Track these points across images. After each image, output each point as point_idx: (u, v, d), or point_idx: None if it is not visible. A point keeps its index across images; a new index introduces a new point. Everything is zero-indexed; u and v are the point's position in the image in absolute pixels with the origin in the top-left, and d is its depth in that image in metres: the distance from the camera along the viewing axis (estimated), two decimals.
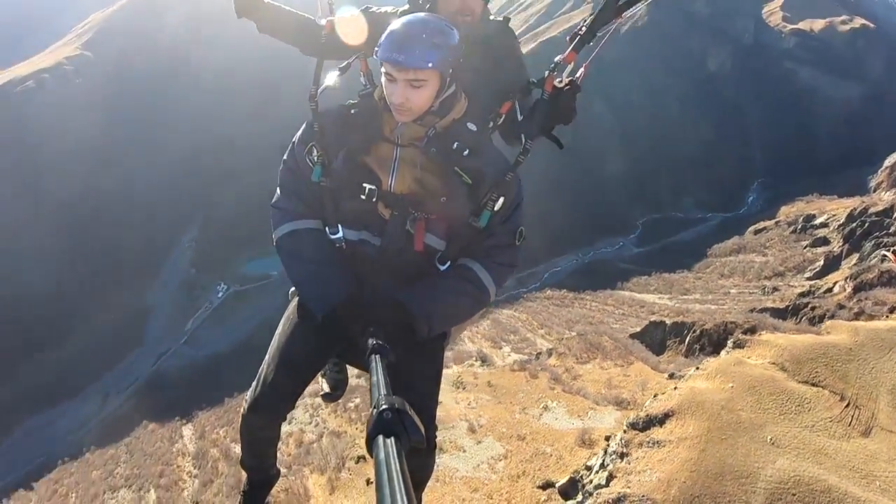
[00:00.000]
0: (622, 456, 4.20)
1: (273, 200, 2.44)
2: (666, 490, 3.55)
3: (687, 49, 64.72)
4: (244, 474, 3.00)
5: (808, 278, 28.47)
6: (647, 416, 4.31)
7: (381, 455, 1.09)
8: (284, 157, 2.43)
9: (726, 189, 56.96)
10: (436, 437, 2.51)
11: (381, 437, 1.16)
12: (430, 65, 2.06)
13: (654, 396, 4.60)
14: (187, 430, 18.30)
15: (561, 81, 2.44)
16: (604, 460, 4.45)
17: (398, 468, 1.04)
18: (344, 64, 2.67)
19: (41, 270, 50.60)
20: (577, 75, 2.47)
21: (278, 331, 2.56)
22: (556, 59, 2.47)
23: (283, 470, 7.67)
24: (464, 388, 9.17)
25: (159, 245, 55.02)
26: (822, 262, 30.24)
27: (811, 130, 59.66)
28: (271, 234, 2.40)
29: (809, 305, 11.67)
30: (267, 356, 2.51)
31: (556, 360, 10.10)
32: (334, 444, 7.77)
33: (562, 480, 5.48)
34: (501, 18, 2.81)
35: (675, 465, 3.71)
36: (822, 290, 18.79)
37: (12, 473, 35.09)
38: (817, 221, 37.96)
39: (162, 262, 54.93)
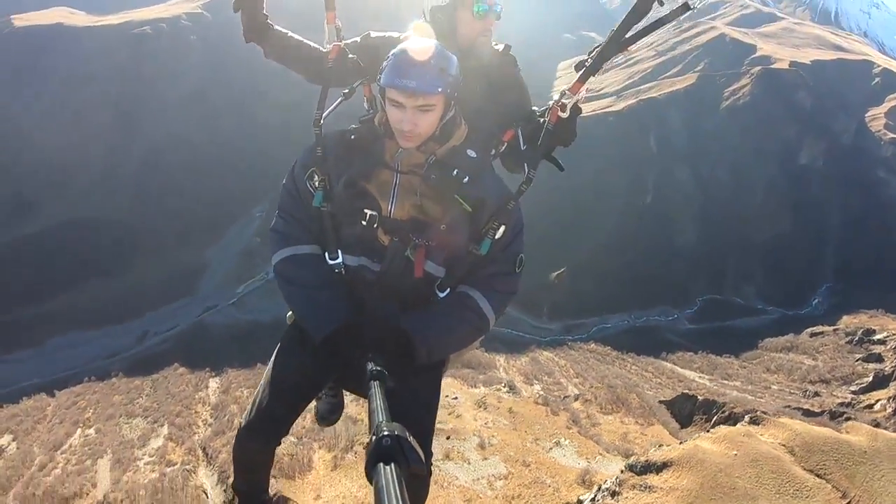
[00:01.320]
0: (613, 494, 4.36)
1: (272, 224, 2.46)
2: None
3: (782, 137, 63.03)
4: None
5: (853, 391, 27.55)
6: (647, 461, 4.46)
7: (382, 482, 1.11)
8: (284, 182, 2.45)
9: (792, 285, 54.92)
10: (431, 463, 2.51)
11: (381, 464, 1.17)
12: (439, 90, 2.11)
13: (659, 446, 4.78)
14: (214, 383, 18.90)
15: (565, 111, 2.49)
16: (595, 496, 4.62)
17: (398, 494, 1.06)
18: (348, 90, 2.74)
19: (117, 200, 53.70)
20: (579, 96, 2.49)
21: (275, 355, 2.57)
22: (563, 89, 2.50)
23: (292, 440, 8.04)
24: (485, 409, 9.35)
25: (231, 209, 57.01)
26: (870, 379, 29.24)
27: (891, 245, 57.28)
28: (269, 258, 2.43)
29: (845, 416, 11.41)
30: (263, 380, 2.53)
31: (580, 404, 10.22)
32: (347, 428, 8.07)
33: None
34: (503, 46, 2.86)
35: None
36: (862, 405, 18.17)
37: (38, 378, 36.45)
38: (876, 337, 36.84)
39: (229, 225, 56.92)
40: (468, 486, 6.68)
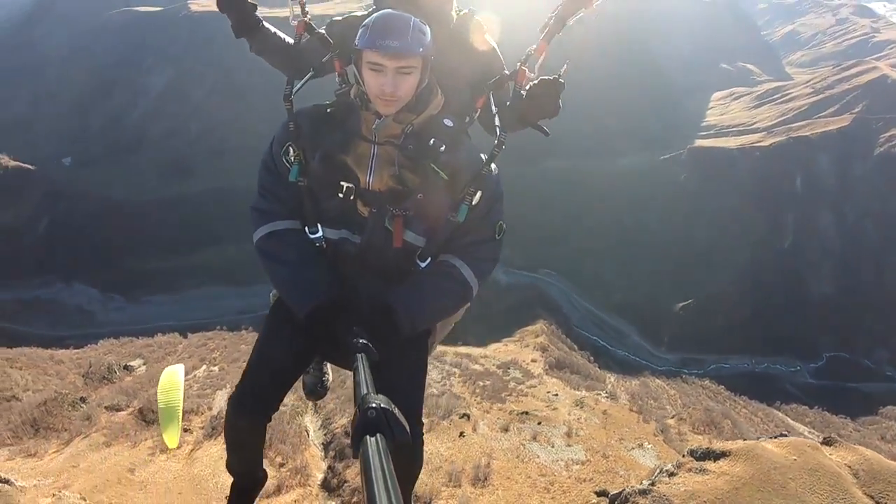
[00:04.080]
0: (670, 475, 4.50)
1: (252, 201, 2.45)
2: (685, 501, 3.96)
3: None
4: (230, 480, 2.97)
5: None
6: (708, 449, 4.62)
7: (367, 453, 1.10)
8: (262, 158, 2.45)
9: None
10: (422, 433, 2.51)
11: (366, 436, 1.17)
12: (420, 50, 2.12)
13: (725, 440, 4.76)
14: None
15: (533, 71, 2.48)
16: (655, 475, 4.73)
17: (384, 466, 1.06)
18: (317, 66, 2.70)
19: None
20: (562, 71, 2.45)
21: (260, 333, 2.62)
22: (528, 49, 2.49)
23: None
24: (581, 407, 9.56)
25: None
26: None
27: None
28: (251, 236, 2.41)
29: None
30: (250, 358, 2.56)
31: (673, 420, 10.06)
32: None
33: (614, 491, 5.77)
34: (466, 11, 2.82)
35: (706, 487, 4.09)
36: None
37: (173, 321, 39.95)
38: None
39: None
40: (546, 464, 7.09)
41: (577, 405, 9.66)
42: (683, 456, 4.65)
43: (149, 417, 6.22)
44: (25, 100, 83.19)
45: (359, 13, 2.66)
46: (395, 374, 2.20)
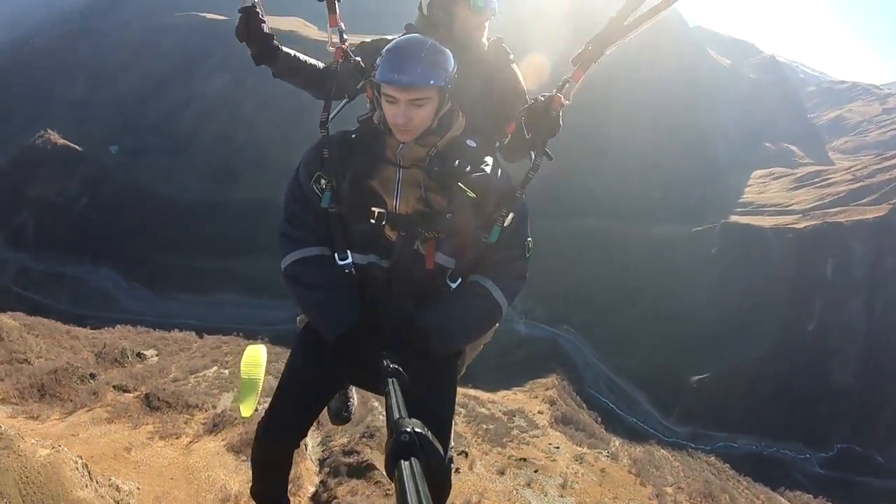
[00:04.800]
0: None
1: (280, 229, 2.43)
2: None
3: None
4: None
5: None
6: None
7: (403, 478, 1.10)
8: (288, 185, 2.46)
9: None
10: (451, 458, 2.53)
11: (401, 461, 1.17)
12: (431, 82, 2.12)
13: None
14: None
15: (569, 98, 2.49)
16: None
17: (420, 490, 1.05)
18: (351, 93, 2.76)
19: None
20: (579, 84, 2.48)
21: (289, 359, 2.61)
22: (564, 77, 2.49)
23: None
24: (580, 462, 9.42)
25: None
26: None
27: None
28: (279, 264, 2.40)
29: None
30: (279, 384, 2.55)
31: (671, 489, 9.85)
32: None
33: None
34: (495, 38, 2.90)
35: None
36: None
37: (195, 321, 40.09)
38: None
39: None
40: None
41: (577, 460, 9.52)
42: None
43: (154, 404, 6.28)
44: (85, 84, 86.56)
45: (389, 37, 2.72)
46: (424, 397, 2.11)
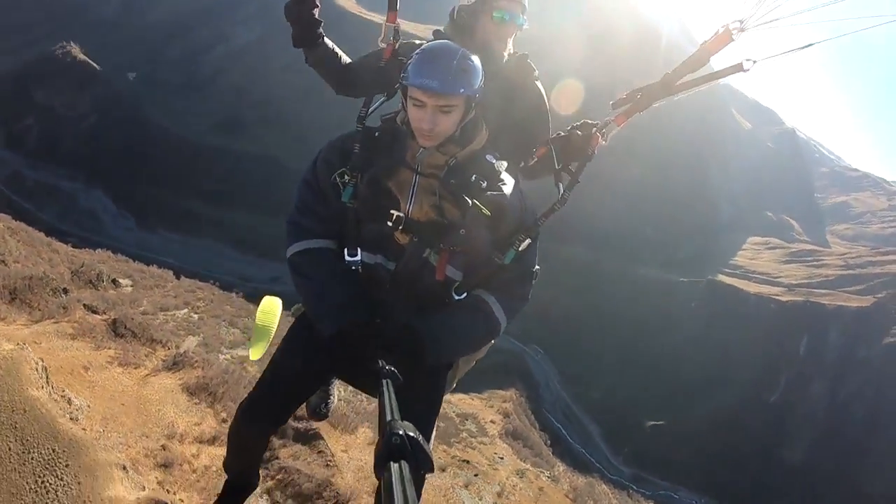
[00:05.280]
0: None
1: (289, 216, 2.43)
2: None
3: None
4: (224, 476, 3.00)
5: None
6: None
7: (391, 480, 1.11)
8: (305, 175, 2.45)
9: None
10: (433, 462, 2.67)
11: (390, 462, 1.17)
12: (461, 90, 2.12)
13: None
14: None
15: (605, 139, 2.53)
16: None
17: (406, 492, 1.06)
18: (388, 92, 2.71)
19: None
20: (621, 128, 2.52)
21: (281, 346, 2.60)
22: (608, 119, 2.55)
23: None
24: (521, 477, 9.59)
25: None
26: None
27: None
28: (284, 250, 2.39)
29: None
30: (265, 369, 2.57)
31: None
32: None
33: None
34: (520, 54, 2.88)
35: None
36: None
37: (173, 259, 39.84)
38: None
39: None
40: None
41: (518, 474, 9.64)
42: None
43: (119, 331, 6.29)
44: (116, 7, 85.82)
45: (417, 41, 2.73)
46: (411, 400, 2.07)
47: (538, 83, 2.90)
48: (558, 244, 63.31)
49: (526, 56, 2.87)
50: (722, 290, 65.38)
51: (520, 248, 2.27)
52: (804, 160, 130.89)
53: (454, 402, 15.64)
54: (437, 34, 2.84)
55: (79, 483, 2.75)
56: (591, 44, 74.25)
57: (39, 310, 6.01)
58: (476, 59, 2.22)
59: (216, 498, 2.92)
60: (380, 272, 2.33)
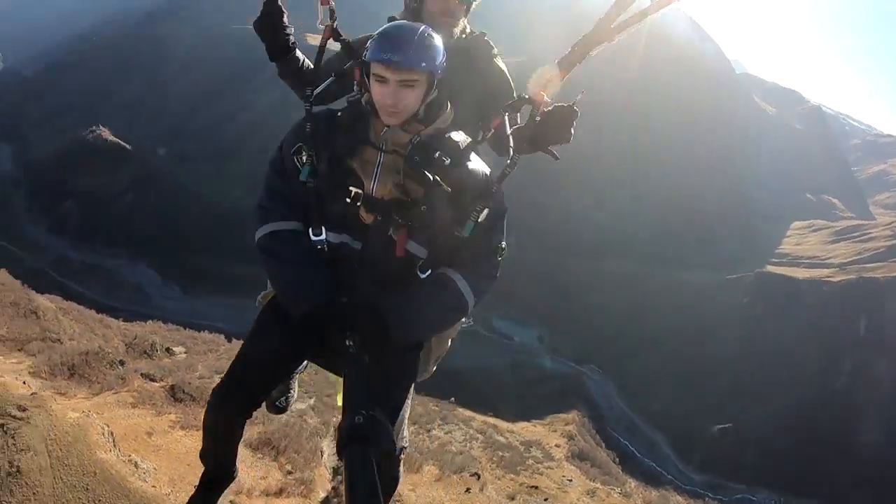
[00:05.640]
0: None
1: (258, 200, 2.43)
2: None
3: None
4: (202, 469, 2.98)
5: None
6: None
7: (354, 460, 1.13)
8: (270, 158, 2.46)
9: None
10: (404, 446, 2.54)
11: (353, 443, 1.19)
12: (423, 65, 2.12)
13: None
14: None
15: (550, 101, 2.45)
16: None
17: (370, 472, 1.09)
18: (341, 71, 2.72)
19: None
20: (576, 99, 2.43)
21: (250, 331, 2.58)
22: (546, 75, 2.51)
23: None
24: (592, 497, 9.37)
25: None
26: None
27: None
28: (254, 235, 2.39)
29: None
30: (237, 354, 2.55)
31: None
32: None
33: None
34: (478, 33, 2.88)
35: None
36: None
37: (223, 324, 40.43)
38: None
39: None
40: None
41: (589, 494, 9.43)
42: None
43: (178, 396, 6.40)
44: (139, 86, 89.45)
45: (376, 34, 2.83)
46: (381, 383, 2.16)
47: (497, 60, 2.90)
48: (600, 261, 62.80)
49: (483, 34, 2.88)
50: (771, 280, 63.32)
51: (479, 220, 2.23)
52: (834, 135, 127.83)
53: (517, 431, 15.49)
54: (391, 20, 2.75)
55: None
56: (568, 31, 74.34)
57: (98, 383, 6.16)
58: (438, 38, 2.23)
59: (194, 492, 2.89)
60: (346, 252, 2.34)
